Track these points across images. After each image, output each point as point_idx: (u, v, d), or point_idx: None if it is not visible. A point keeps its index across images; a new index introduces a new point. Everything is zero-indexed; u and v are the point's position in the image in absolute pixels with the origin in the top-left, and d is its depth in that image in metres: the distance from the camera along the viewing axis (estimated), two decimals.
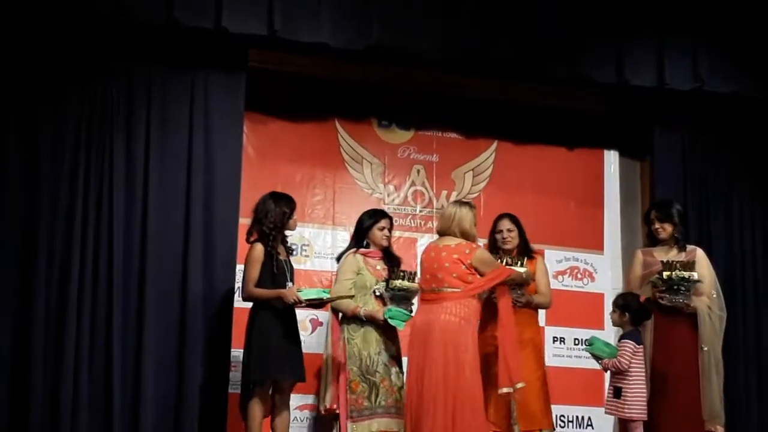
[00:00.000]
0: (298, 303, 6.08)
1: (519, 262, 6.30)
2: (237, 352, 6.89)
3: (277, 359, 6.01)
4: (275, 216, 6.17)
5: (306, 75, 7.41)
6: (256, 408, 6.05)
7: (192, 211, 6.68)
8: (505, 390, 5.90)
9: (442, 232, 6.22)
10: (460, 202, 6.37)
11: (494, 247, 6.53)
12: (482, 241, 6.59)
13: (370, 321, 6.27)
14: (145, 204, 6.58)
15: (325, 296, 6.16)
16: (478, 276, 6.01)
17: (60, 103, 6.51)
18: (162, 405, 6.45)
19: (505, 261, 6.26)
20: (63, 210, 6.39)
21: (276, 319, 6.07)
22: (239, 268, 6.86)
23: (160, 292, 6.52)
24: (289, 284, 6.18)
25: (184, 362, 6.52)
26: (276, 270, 6.13)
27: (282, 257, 6.22)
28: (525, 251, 6.48)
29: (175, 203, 6.66)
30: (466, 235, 6.11)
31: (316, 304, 6.18)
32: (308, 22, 6.64)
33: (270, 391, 6.14)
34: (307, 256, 7.47)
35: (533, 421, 6.18)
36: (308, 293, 6.13)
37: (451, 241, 6.10)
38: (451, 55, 7.10)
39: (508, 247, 6.44)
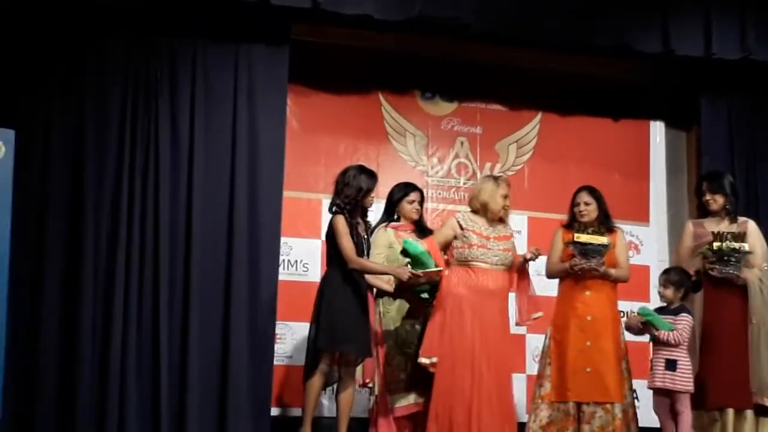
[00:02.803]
0: (415, 278, 5.97)
1: (601, 232, 6.25)
2: (281, 325, 6.94)
3: (345, 332, 5.95)
4: (352, 190, 6.10)
5: (349, 47, 7.40)
6: (316, 380, 6.02)
7: (236, 184, 6.70)
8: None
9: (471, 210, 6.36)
10: (485, 176, 6.54)
11: (573, 220, 6.47)
12: (527, 214, 6.55)
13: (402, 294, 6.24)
14: (190, 177, 6.61)
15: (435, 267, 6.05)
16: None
17: (105, 79, 6.55)
18: (207, 376, 6.50)
19: (586, 231, 6.23)
20: (108, 186, 6.45)
21: (346, 291, 6.00)
22: (284, 240, 6.91)
23: (205, 265, 6.56)
24: None
25: (229, 334, 6.56)
26: (354, 244, 6.04)
27: (361, 232, 6.14)
28: (604, 224, 6.41)
29: (219, 176, 6.68)
30: (485, 208, 6.20)
31: (434, 276, 6.06)
32: None
33: (336, 364, 6.12)
34: None
35: (606, 393, 6.16)
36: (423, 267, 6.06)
37: None
38: (495, 25, 7.05)
39: (585, 220, 6.35)
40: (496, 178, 6.36)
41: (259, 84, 6.87)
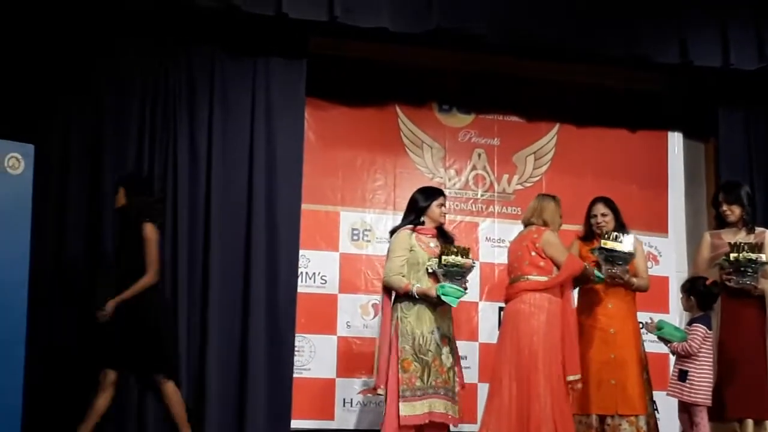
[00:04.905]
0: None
1: (623, 238, 6.24)
2: (300, 337, 6.96)
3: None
4: None
5: (366, 60, 7.43)
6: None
7: (255, 197, 6.75)
8: (571, 378, 6.00)
9: (524, 223, 6.37)
10: (544, 195, 6.51)
11: (590, 232, 6.48)
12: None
13: (422, 299, 6.09)
14: (208, 190, 6.67)
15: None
16: (547, 259, 6.14)
17: (123, 91, 6.62)
18: (226, 389, 6.56)
19: (611, 237, 6.22)
20: None
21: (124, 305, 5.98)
22: (301, 253, 6.93)
23: (224, 277, 6.61)
24: None
25: (247, 347, 6.61)
26: None
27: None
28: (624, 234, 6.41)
29: (238, 189, 6.73)
30: (547, 225, 6.26)
31: None
32: (368, 7, 6.64)
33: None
34: (368, 241, 7.49)
35: (631, 405, 6.17)
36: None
37: (526, 230, 6.28)
38: (511, 37, 7.05)
39: (603, 231, 6.38)
40: (555, 198, 6.39)
41: (277, 97, 6.92)
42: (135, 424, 6.31)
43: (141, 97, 6.62)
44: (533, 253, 6.15)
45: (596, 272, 6.25)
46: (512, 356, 6.07)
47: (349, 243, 7.46)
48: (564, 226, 6.85)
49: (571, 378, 6.00)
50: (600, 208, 6.49)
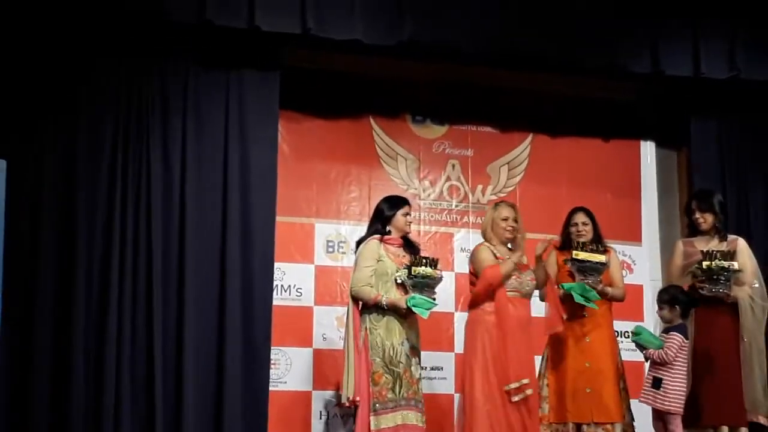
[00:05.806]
0: None
1: (599, 251, 6.28)
2: (275, 350, 6.93)
3: None
4: None
5: (339, 72, 7.44)
6: None
7: (229, 210, 6.70)
8: (507, 387, 6.01)
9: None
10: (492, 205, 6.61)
11: (568, 240, 6.50)
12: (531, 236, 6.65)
13: (392, 310, 6.13)
14: (182, 203, 6.61)
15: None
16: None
17: (96, 104, 6.56)
18: (202, 402, 6.48)
19: (584, 248, 6.28)
20: (101, 211, 6.44)
21: None
22: (277, 265, 6.91)
23: (199, 291, 6.55)
24: None
25: (223, 361, 6.54)
26: None
27: None
28: (599, 243, 6.43)
29: (211, 202, 6.69)
30: (486, 235, 6.37)
31: None
32: (341, 19, 6.65)
33: None
34: (343, 252, 7.47)
35: (606, 413, 6.19)
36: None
37: None
38: (484, 48, 7.08)
39: (582, 240, 6.40)
40: (496, 204, 6.45)
41: (251, 110, 6.88)
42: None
43: (114, 110, 6.56)
44: (469, 270, 6.31)
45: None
46: (460, 371, 6.27)
47: (324, 255, 7.45)
48: (538, 236, 6.90)
49: (507, 387, 6.01)
50: (581, 217, 6.53)
